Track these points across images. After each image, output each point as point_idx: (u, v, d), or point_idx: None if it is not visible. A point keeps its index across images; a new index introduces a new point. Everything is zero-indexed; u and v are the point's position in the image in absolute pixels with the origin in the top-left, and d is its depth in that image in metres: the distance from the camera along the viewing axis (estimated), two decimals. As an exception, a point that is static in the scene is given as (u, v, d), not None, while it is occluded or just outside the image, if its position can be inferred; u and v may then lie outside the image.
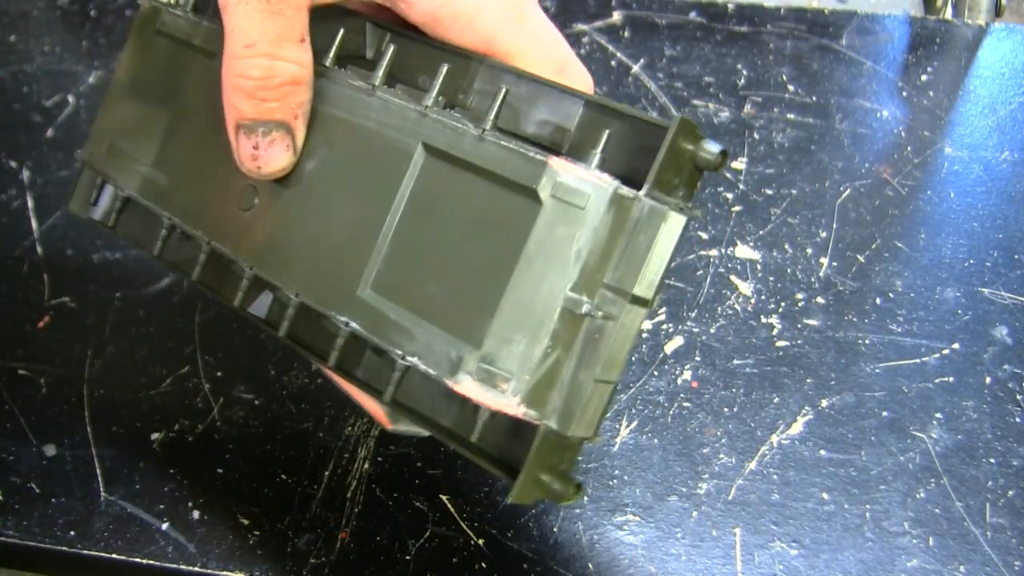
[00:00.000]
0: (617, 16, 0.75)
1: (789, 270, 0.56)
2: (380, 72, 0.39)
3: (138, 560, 0.46)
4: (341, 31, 0.40)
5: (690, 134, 0.33)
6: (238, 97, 0.39)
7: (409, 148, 0.38)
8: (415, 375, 0.38)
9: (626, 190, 0.33)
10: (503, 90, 0.36)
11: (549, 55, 0.40)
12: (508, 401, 0.34)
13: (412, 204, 0.38)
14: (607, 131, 0.35)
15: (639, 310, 0.34)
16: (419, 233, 0.38)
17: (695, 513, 0.46)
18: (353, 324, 0.38)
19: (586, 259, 0.33)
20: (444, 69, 0.38)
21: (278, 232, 0.42)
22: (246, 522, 0.47)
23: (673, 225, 0.34)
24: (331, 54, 0.40)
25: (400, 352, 0.37)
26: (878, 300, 0.54)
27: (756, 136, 0.65)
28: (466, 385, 0.35)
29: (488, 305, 0.35)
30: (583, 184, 0.33)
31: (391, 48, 0.40)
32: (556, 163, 0.34)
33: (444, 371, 0.35)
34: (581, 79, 0.40)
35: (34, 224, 0.63)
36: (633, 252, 0.33)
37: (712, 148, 0.34)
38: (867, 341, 0.52)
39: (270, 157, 0.41)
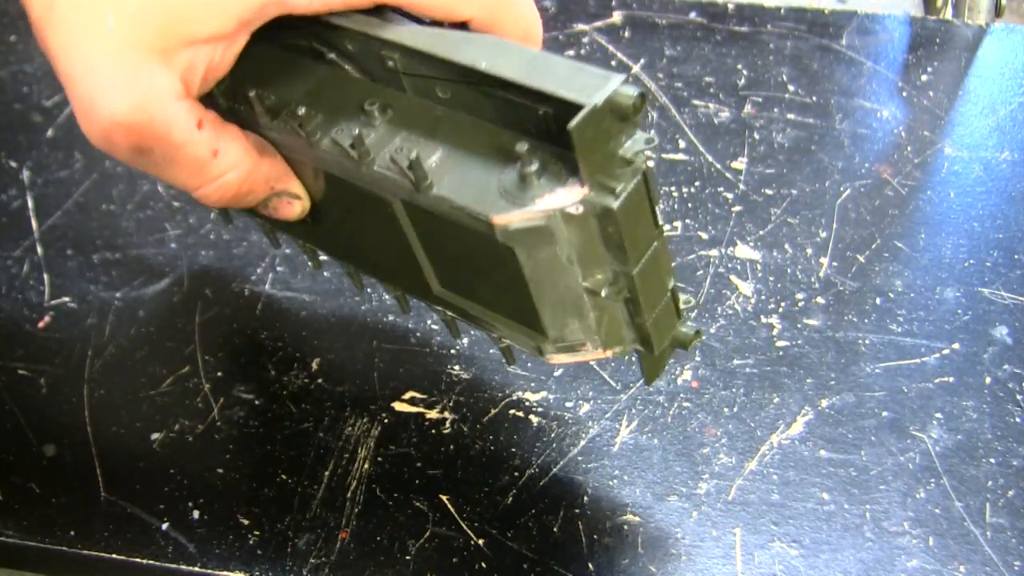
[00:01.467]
0: (617, 16, 0.75)
1: (789, 270, 0.56)
2: (312, 126, 0.38)
3: (138, 560, 0.46)
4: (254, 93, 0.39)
5: (596, 116, 0.31)
6: (222, 209, 0.41)
7: (384, 195, 0.38)
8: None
9: (571, 208, 0.33)
10: (414, 154, 0.35)
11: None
12: (595, 354, 0.39)
13: (420, 232, 0.39)
14: (525, 145, 0.33)
15: (654, 243, 0.35)
16: (442, 249, 0.39)
17: (695, 513, 0.46)
18: (449, 313, 0.43)
19: (578, 258, 0.35)
20: (375, 108, 0.38)
21: (343, 239, 0.45)
22: (246, 522, 0.47)
23: (634, 196, 0.33)
24: (263, 111, 0.39)
25: (496, 336, 0.42)
26: (878, 300, 0.54)
27: (756, 136, 0.65)
28: (557, 358, 0.40)
29: (529, 308, 0.38)
30: (532, 222, 0.34)
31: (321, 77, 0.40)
32: (499, 219, 0.34)
33: (533, 352, 0.41)
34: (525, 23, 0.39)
35: (34, 224, 0.63)
36: (611, 237, 0.34)
37: (629, 93, 0.31)
38: (867, 341, 0.52)
39: (284, 213, 0.43)
